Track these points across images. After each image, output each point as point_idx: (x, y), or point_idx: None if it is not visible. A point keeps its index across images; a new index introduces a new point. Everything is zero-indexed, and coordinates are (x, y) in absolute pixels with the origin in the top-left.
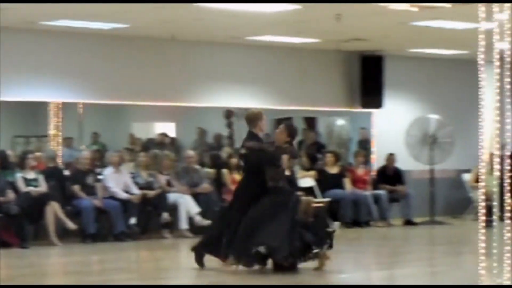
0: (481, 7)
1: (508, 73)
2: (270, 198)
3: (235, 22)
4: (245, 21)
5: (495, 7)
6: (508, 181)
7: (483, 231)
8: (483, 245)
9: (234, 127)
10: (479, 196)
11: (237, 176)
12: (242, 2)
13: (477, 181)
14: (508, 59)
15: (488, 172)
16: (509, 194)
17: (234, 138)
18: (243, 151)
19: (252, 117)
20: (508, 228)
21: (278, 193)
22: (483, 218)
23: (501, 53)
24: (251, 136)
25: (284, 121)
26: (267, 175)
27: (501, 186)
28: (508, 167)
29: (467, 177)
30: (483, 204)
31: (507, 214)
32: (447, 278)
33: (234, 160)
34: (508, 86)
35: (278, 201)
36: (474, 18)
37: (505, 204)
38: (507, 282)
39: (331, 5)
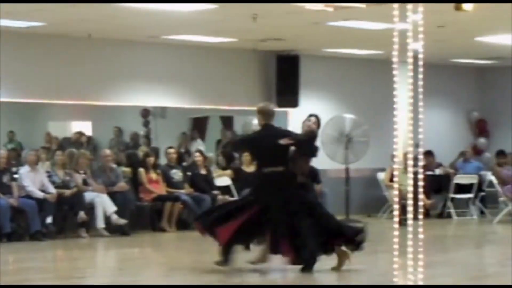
0: (395, 8)
1: (421, 73)
2: (309, 194)
3: (152, 21)
4: (162, 20)
5: (409, 7)
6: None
7: (397, 229)
8: (397, 244)
9: (151, 126)
10: (394, 195)
11: (154, 175)
12: (159, 2)
13: (391, 180)
14: (422, 59)
15: (402, 171)
16: (423, 193)
17: (150, 137)
18: (283, 142)
19: (272, 112)
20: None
21: (309, 189)
22: (397, 216)
23: (415, 53)
24: (275, 128)
25: (202, 120)
26: (299, 168)
27: (415, 185)
28: (422, 166)
29: (381, 176)
30: (398, 203)
31: (421, 213)
32: (362, 277)
33: (151, 159)
34: (421, 86)
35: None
36: (388, 18)
37: (419, 203)
38: (421, 281)
39: (248, 5)
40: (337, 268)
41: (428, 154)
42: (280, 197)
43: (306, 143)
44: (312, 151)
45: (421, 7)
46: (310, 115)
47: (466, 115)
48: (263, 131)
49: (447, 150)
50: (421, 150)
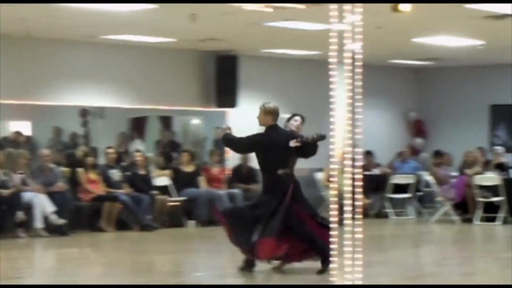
0: (333, 9)
1: (359, 74)
2: None
3: (91, 20)
4: (101, 20)
5: (347, 8)
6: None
7: (335, 229)
8: (335, 243)
9: (90, 126)
10: (331, 194)
11: (92, 175)
12: (98, 2)
13: (329, 180)
14: (359, 60)
15: (340, 171)
16: (361, 193)
17: (89, 137)
18: (293, 144)
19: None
20: (360, 226)
21: None
22: (336, 216)
23: (353, 54)
24: (282, 129)
25: (141, 120)
26: (290, 169)
27: (353, 185)
28: (360, 166)
29: (319, 176)
30: (335, 202)
31: (359, 213)
32: (299, 276)
33: (90, 159)
34: (359, 87)
35: None
36: (326, 19)
37: (356, 203)
38: (359, 281)
39: (187, 5)
40: (278, 268)
41: (367, 154)
42: (293, 200)
43: (312, 146)
44: (312, 153)
45: (359, 8)
46: (294, 115)
47: (404, 116)
48: (272, 132)
49: (385, 150)
50: (359, 150)
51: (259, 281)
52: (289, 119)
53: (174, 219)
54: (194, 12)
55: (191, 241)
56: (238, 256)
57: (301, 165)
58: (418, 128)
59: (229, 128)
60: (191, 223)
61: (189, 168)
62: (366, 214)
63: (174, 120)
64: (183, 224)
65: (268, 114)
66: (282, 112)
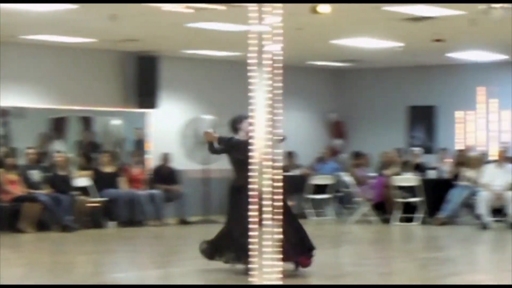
0: (253, 10)
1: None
2: None
3: (11, 20)
4: (21, 20)
5: (267, 10)
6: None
7: (255, 230)
8: (255, 244)
9: (10, 126)
10: (251, 195)
11: (12, 176)
12: (17, 2)
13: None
14: (279, 61)
15: (259, 172)
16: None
17: (9, 138)
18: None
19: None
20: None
21: None
22: (255, 217)
23: (272, 55)
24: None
25: (61, 120)
26: None
27: (273, 186)
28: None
29: None
30: (255, 203)
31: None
32: (219, 276)
33: (10, 160)
34: (278, 88)
35: None
36: (246, 20)
37: (276, 204)
38: (278, 282)
39: (107, 5)
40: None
41: (289, 155)
42: None
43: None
44: None
45: (278, 9)
46: (245, 117)
47: (323, 117)
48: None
49: (305, 151)
50: (279, 151)
51: (177, 280)
52: (236, 121)
53: (94, 219)
54: (114, 13)
55: (111, 241)
56: (158, 257)
57: (222, 165)
58: (337, 129)
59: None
60: (112, 223)
61: (109, 169)
62: None
63: (95, 120)
64: (103, 224)
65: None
66: (203, 112)
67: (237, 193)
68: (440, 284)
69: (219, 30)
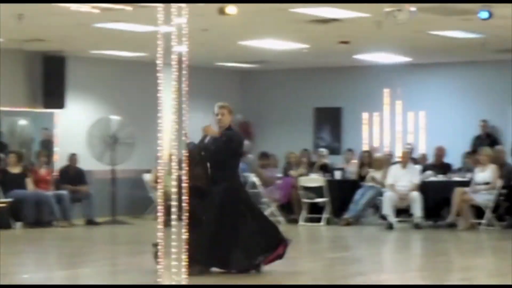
0: (160, 11)
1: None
2: None
3: None
4: None
5: (174, 11)
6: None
7: (162, 230)
8: (162, 244)
9: None
10: (158, 196)
11: None
12: None
13: (156, 181)
14: (186, 62)
15: (167, 172)
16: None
17: None
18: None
19: None
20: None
21: None
22: (162, 218)
23: (179, 56)
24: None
25: None
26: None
27: (179, 186)
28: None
29: (147, 177)
30: (162, 204)
31: (185, 214)
32: (127, 278)
33: None
34: (186, 89)
35: None
36: (154, 21)
37: (183, 204)
38: (185, 281)
39: (13, 5)
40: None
41: None
42: None
43: None
44: None
45: (185, 10)
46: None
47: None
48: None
49: None
50: (185, 151)
51: (85, 281)
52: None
53: (1, 220)
54: (21, 12)
55: (19, 242)
56: (65, 258)
57: (129, 166)
58: (244, 130)
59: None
60: (18, 224)
61: (16, 169)
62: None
63: (1, 120)
64: (10, 225)
65: (231, 113)
66: (111, 113)
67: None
68: (348, 284)
69: (126, 30)
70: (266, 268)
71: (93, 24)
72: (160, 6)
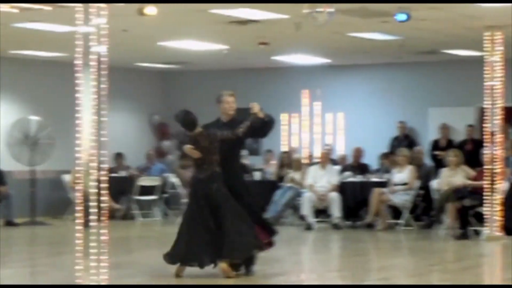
0: (79, 11)
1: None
2: None
3: None
4: None
5: (93, 11)
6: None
7: (81, 231)
8: (80, 245)
9: None
10: (77, 196)
11: None
12: None
13: (76, 182)
14: (105, 63)
15: (86, 173)
16: (106, 195)
17: None
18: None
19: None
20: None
21: None
22: (81, 218)
23: (98, 56)
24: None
25: None
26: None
27: (99, 187)
28: (108, 168)
29: (67, 178)
30: (81, 204)
31: (105, 214)
32: (46, 278)
33: None
34: (105, 89)
35: None
36: (73, 21)
37: (102, 205)
38: (104, 282)
39: None
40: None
41: (118, 156)
42: None
43: None
44: None
45: (104, 10)
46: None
47: (148, 119)
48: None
49: (133, 153)
50: (105, 152)
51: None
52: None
53: None
54: None
55: None
56: None
57: (48, 166)
58: (162, 131)
59: None
60: None
61: None
62: (112, 216)
63: None
64: None
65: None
66: (30, 113)
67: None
68: (270, 284)
69: (45, 30)
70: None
71: (12, 24)
72: (79, 6)
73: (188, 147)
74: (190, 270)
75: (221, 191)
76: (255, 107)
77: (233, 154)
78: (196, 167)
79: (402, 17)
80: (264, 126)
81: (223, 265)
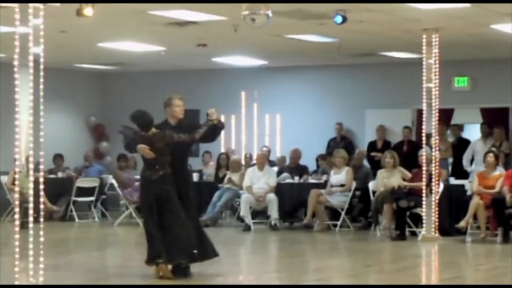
0: (17, 11)
1: (42, 77)
2: None
3: None
4: None
5: (31, 11)
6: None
7: (17, 232)
8: (18, 246)
9: None
10: (15, 198)
11: None
12: None
13: (13, 183)
14: (42, 63)
15: (24, 174)
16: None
17: None
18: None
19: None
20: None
21: None
22: (19, 220)
23: (36, 57)
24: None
25: None
26: None
27: (37, 188)
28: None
29: (4, 179)
30: (18, 206)
31: (42, 216)
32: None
33: None
34: (42, 90)
35: None
36: (10, 21)
37: (40, 206)
38: (42, 282)
39: None
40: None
41: (57, 157)
42: None
43: None
44: None
45: (42, 11)
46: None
47: (85, 120)
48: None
49: (71, 154)
50: (42, 153)
51: None
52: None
53: None
54: None
55: None
56: None
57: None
58: (99, 132)
59: None
60: None
61: None
62: (50, 217)
63: None
64: None
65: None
66: None
67: None
68: (205, 284)
69: None
70: (124, 270)
71: None
72: (16, 6)
73: (142, 147)
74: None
75: (172, 193)
76: (214, 114)
77: (184, 156)
78: (148, 167)
79: (338, 19)
80: (215, 132)
81: (163, 267)
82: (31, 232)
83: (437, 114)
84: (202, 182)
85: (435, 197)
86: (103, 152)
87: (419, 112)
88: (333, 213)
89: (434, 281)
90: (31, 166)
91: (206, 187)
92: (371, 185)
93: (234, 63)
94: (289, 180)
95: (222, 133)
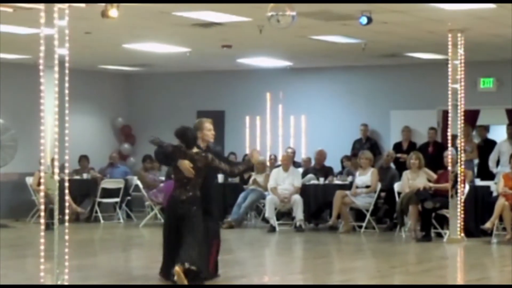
0: (42, 13)
1: (67, 78)
2: None
3: None
4: None
5: (56, 13)
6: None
7: (43, 233)
8: (43, 248)
9: None
10: (41, 199)
11: None
12: None
13: (39, 184)
14: (68, 65)
15: (49, 175)
16: (68, 198)
17: None
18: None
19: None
20: (69, 230)
21: None
22: (44, 221)
23: (61, 58)
24: None
25: None
26: None
27: (62, 189)
28: (74, 171)
29: (30, 180)
30: (43, 207)
31: (68, 217)
32: (8, 281)
33: None
34: (67, 91)
35: None
36: (35, 23)
37: (65, 207)
38: (67, 282)
39: None
40: None
41: (82, 158)
42: None
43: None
44: None
45: (67, 14)
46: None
47: (112, 121)
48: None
49: (97, 155)
50: (67, 155)
51: None
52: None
53: None
54: None
55: None
56: None
57: (11, 169)
58: (125, 133)
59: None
60: None
61: None
62: (76, 219)
63: None
64: None
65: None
66: None
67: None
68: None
69: (7, 32)
70: (149, 272)
71: None
72: (41, 7)
73: (187, 163)
74: None
75: (198, 215)
76: (255, 156)
77: (212, 180)
78: (179, 186)
79: (364, 20)
80: (247, 171)
81: (177, 269)
82: (56, 233)
83: (462, 115)
84: (227, 184)
85: (460, 198)
86: (126, 153)
87: (445, 113)
88: (358, 214)
89: (459, 282)
90: (57, 167)
91: (231, 189)
92: (396, 186)
93: (259, 64)
94: (314, 181)
95: (247, 134)
